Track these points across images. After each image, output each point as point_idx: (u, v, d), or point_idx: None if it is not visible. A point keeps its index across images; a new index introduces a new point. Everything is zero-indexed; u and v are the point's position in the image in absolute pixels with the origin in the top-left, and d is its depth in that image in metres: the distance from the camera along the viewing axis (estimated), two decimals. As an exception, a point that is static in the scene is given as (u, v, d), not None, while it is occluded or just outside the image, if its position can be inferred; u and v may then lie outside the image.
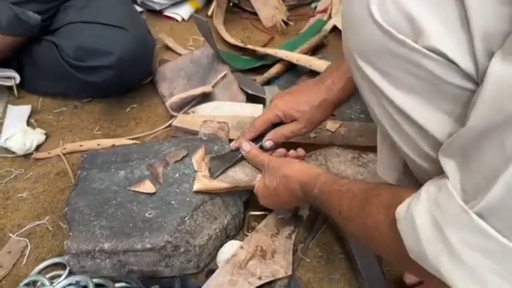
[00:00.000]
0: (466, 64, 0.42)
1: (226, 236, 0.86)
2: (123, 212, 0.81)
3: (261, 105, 1.10)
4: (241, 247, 0.82)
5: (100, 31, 1.08)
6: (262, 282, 0.77)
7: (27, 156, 1.06)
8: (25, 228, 0.91)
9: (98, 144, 1.06)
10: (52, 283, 0.79)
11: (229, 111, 1.08)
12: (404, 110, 0.48)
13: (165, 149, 0.90)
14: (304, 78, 1.19)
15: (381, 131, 0.62)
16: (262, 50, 1.27)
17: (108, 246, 0.76)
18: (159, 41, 1.34)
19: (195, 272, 0.82)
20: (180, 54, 1.30)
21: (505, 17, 0.38)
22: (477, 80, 0.42)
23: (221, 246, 0.84)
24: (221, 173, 0.83)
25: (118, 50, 1.05)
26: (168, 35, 1.38)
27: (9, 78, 1.15)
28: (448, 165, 0.43)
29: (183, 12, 1.49)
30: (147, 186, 0.84)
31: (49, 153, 1.06)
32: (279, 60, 1.23)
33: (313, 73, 1.16)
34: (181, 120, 1.04)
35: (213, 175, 0.82)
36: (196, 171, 0.84)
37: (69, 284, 0.79)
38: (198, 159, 0.86)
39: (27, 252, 0.87)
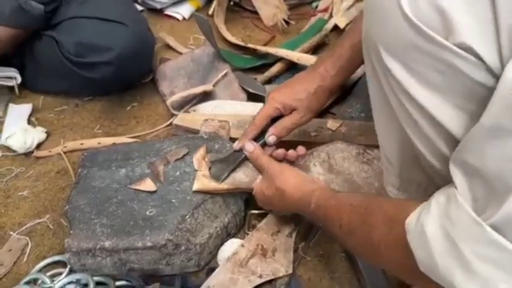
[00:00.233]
0: (494, 63, 0.40)
1: (227, 234, 0.86)
2: (123, 210, 0.81)
3: (261, 104, 1.09)
4: (242, 245, 0.82)
5: (100, 27, 1.08)
6: (262, 280, 0.77)
7: (28, 154, 1.06)
8: (26, 226, 0.91)
9: (99, 143, 1.06)
10: (53, 281, 0.79)
11: (230, 109, 1.08)
12: (424, 106, 0.47)
13: (166, 148, 0.90)
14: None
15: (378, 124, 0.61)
16: (263, 49, 1.27)
17: (108, 244, 0.76)
18: (159, 39, 1.33)
19: (195, 270, 0.82)
20: (180, 53, 1.30)
21: None
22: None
23: (222, 244, 0.84)
24: (227, 176, 0.82)
25: (118, 45, 1.04)
26: (169, 34, 1.38)
27: (11, 78, 1.15)
28: (457, 173, 0.42)
29: (184, 11, 1.49)
30: (148, 185, 0.84)
31: (50, 151, 1.06)
32: (279, 59, 1.23)
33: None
34: (182, 118, 1.04)
35: (219, 179, 0.82)
36: (196, 170, 0.84)
37: (70, 282, 0.79)
38: (199, 158, 0.86)
39: (28, 250, 0.87)
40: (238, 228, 0.89)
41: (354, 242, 0.59)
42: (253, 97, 1.14)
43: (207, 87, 1.12)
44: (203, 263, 0.83)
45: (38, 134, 1.08)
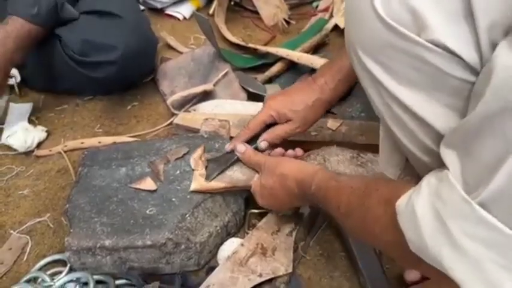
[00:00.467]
0: (471, 57, 0.41)
1: (227, 233, 0.86)
2: (124, 209, 0.81)
3: (262, 104, 1.10)
4: (242, 244, 0.82)
5: (104, 25, 1.08)
6: (262, 279, 0.77)
7: (28, 153, 1.06)
8: (26, 225, 0.91)
9: (99, 142, 1.06)
10: (53, 280, 0.79)
11: (230, 109, 1.08)
12: (407, 104, 0.48)
13: (166, 147, 0.90)
14: (305, 77, 1.19)
15: (383, 126, 0.62)
16: (263, 48, 1.27)
17: (108, 243, 0.76)
18: (160, 39, 1.33)
19: (195, 269, 0.82)
20: (181, 53, 1.30)
21: (511, 7, 0.38)
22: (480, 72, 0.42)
23: (222, 243, 0.84)
24: (216, 176, 0.83)
25: (122, 44, 1.04)
26: (170, 34, 1.38)
27: (10, 77, 1.15)
28: (449, 156, 0.43)
29: (185, 10, 1.50)
30: (148, 184, 0.84)
31: (50, 150, 1.06)
32: (280, 58, 1.23)
33: (314, 72, 1.15)
34: (182, 118, 1.04)
35: (208, 178, 0.82)
36: (193, 170, 0.84)
37: (70, 281, 0.79)
38: (196, 157, 0.86)
39: (28, 249, 0.87)
40: (238, 227, 0.89)
41: (351, 224, 0.60)
42: (253, 97, 1.14)
43: (208, 86, 1.12)
44: (203, 262, 0.83)
45: (38, 133, 1.08)
